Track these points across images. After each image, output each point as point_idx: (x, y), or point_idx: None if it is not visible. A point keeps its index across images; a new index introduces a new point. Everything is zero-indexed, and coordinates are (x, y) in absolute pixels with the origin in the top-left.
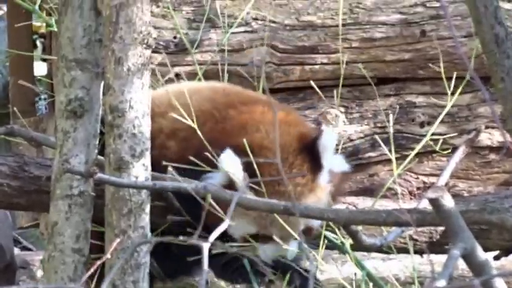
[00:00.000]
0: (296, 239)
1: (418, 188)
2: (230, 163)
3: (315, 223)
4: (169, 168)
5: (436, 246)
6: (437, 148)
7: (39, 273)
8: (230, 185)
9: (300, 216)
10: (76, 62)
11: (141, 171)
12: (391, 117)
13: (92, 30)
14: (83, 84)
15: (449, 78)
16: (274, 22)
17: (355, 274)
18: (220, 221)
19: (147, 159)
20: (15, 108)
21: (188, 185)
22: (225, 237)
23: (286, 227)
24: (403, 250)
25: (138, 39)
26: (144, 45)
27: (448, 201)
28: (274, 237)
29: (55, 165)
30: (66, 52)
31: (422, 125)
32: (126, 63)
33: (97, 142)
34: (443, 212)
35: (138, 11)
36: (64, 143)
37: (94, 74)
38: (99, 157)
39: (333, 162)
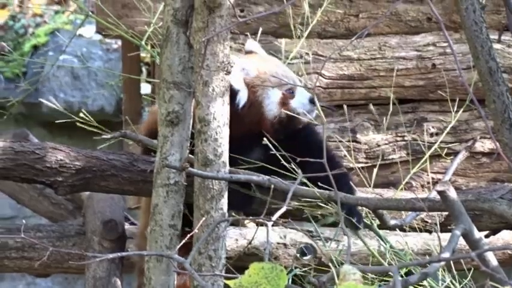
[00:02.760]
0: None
1: (428, 183)
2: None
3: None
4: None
5: (442, 227)
6: (443, 154)
7: None
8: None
9: (341, 202)
10: (173, 83)
11: (221, 166)
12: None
13: (186, 59)
14: (178, 100)
15: (452, 100)
16: (322, 56)
17: (380, 247)
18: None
19: (226, 158)
20: (126, 117)
21: (256, 178)
22: None
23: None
24: (417, 229)
25: (221, 67)
26: (225, 72)
27: (452, 193)
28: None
29: (156, 161)
30: (166, 76)
31: (432, 135)
32: (211, 85)
33: (188, 144)
34: (448, 201)
35: (220, 45)
36: (163, 145)
37: (187, 93)
38: (190, 155)
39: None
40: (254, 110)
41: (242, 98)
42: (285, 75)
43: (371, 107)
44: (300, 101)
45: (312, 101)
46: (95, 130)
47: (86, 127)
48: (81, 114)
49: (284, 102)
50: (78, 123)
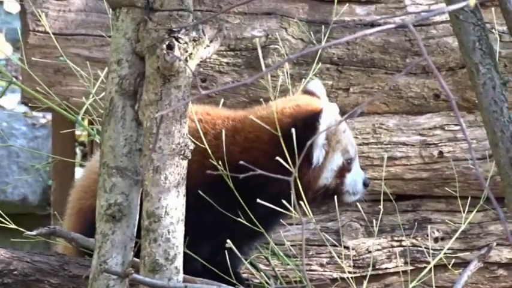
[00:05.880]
0: None
1: None
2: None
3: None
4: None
5: None
6: (449, 266)
7: None
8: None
9: None
10: (117, 169)
11: (173, 273)
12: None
13: (133, 139)
14: (122, 190)
15: (462, 198)
16: None
17: None
18: None
19: (179, 262)
20: (55, 212)
21: None
22: None
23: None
24: None
25: (176, 150)
26: (181, 156)
27: None
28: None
29: (93, 265)
30: (108, 159)
31: (436, 240)
32: (163, 172)
33: (133, 244)
34: None
35: (177, 123)
36: (102, 245)
37: (133, 181)
38: (135, 259)
39: None
40: (314, 171)
41: (321, 155)
42: (352, 143)
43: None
44: (354, 179)
45: (366, 184)
46: (14, 227)
47: (4, 224)
48: None
49: (341, 174)
50: None
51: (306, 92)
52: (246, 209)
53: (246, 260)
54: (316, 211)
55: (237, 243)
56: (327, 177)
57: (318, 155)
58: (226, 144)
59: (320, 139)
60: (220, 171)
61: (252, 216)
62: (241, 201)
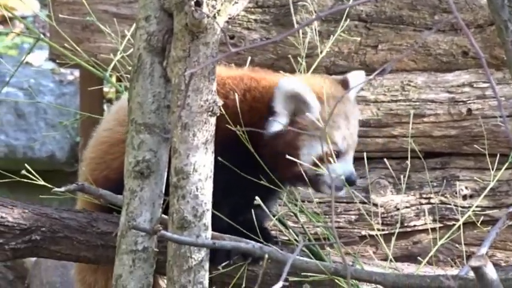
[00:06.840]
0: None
1: (459, 256)
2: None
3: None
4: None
5: None
6: (478, 223)
7: None
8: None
9: (351, 278)
10: (145, 125)
11: (201, 230)
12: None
13: (161, 96)
14: (150, 147)
15: (491, 155)
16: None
17: None
18: None
19: (207, 219)
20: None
21: (245, 245)
22: None
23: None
24: None
25: (204, 106)
26: (210, 113)
27: (490, 270)
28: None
29: (121, 221)
30: (136, 116)
31: (465, 197)
32: (192, 129)
33: (162, 201)
34: (485, 279)
35: (205, 80)
36: (131, 202)
37: (162, 138)
38: (163, 216)
39: None
40: (285, 149)
41: (276, 124)
42: (344, 136)
43: None
44: (337, 171)
45: (349, 182)
46: (42, 183)
47: (32, 180)
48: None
49: (322, 160)
50: (21, 178)
51: (341, 81)
52: (263, 165)
53: (273, 216)
54: None
55: (253, 200)
56: (305, 160)
57: (271, 122)
58: (238, 102)
59: (278, 108)
60: (232, 128)
61: (269, 172)
62: (258, 158)
